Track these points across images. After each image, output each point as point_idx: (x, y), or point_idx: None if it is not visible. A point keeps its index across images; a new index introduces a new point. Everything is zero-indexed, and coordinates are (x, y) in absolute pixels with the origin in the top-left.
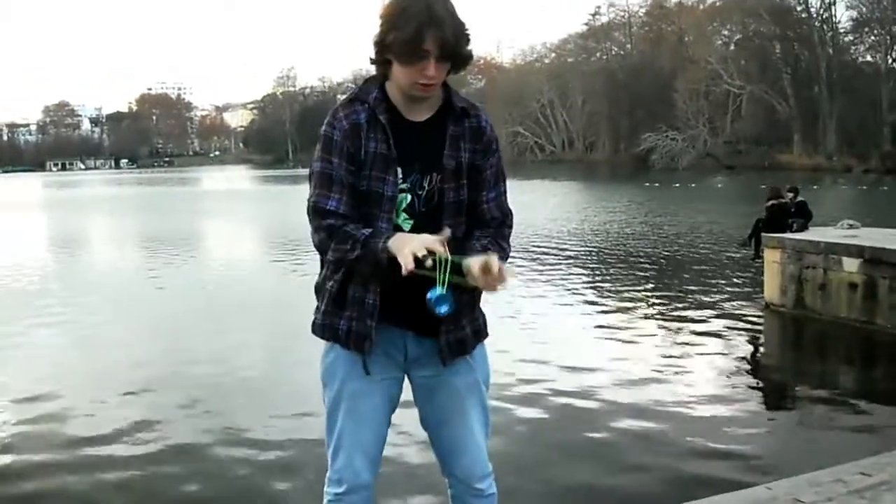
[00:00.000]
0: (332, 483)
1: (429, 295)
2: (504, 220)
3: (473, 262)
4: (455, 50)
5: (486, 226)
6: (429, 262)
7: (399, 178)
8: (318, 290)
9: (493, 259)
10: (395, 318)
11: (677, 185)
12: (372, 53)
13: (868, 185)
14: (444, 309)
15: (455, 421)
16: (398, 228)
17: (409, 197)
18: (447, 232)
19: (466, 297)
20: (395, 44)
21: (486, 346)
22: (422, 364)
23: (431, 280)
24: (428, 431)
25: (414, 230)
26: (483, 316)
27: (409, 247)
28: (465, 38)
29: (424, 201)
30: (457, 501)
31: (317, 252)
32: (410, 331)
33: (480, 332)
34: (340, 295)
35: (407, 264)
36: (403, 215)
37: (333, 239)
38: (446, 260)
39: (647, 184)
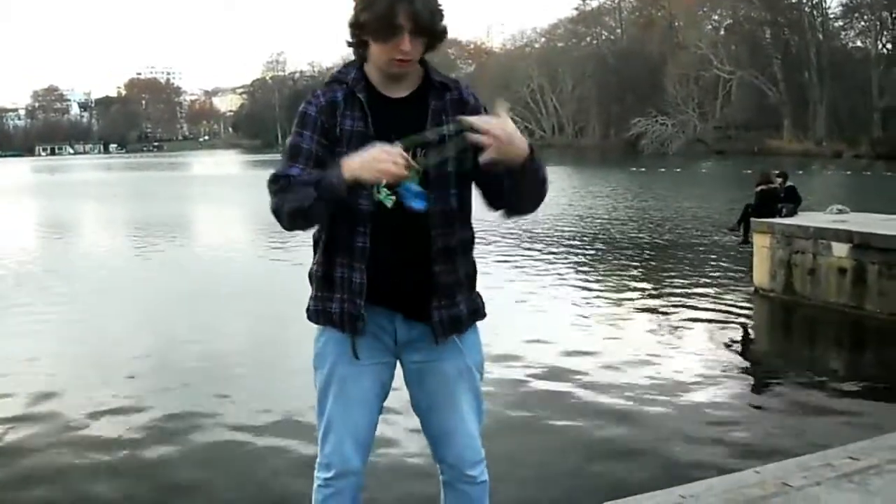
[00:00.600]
0: (321, 468)
1: (404, 187)
2: None
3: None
4: (429, 24)
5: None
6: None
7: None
8: (311, 276)
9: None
10: (383, 300)
11: (663, 169)
12: (348, 36)
13: (858, 170)
14: (419, 204)
15: (445, 407)
16: (380, 205)
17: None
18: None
19: (463, 273)
20: (368, 22)
21: (479, 332)
22: (412, 348)
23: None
24: (419, 416)
25: (397, 205)
26: (480, 296)
27: (376, 153)
28: (439, 14)
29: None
30: (448, 488)
31: (280, 223)
32: (399, 312)
33: (478, 312)
34: (328, 278)
35: (397, 172)
36: (385, 192)
37: (286, 192)
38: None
39: (634, 168)
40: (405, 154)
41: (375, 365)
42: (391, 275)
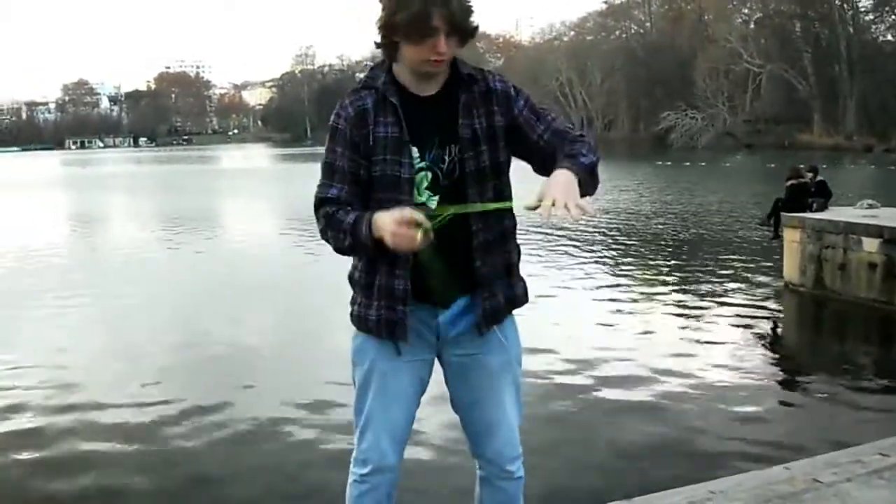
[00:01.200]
0: (357, 463)
1: (440, 319)
2: (570, 135)
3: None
4: (463, 24)
5: (560, 152)
6: (420, 235)
7: (416, 158)
8: (350, 280)
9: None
10: (427, 297)
11: (688, 163)
12: (377, 37)
13: (889, 164)
14: (459, 327)
15: (489, 401)
16: (423, 207)
17: (430, 174)
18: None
19: (501, 262)
20: (402, 24)
21: (517, 323)
22: (455, 342)
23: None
24: (459, 412)
25: (441, 204)
26: (522, 282)
27: (388, 227)
28: (470, 11)
29: (447, 175)
30: (485, 483)
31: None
32: (442, 308)
33: (516, 300)
34: (368, 285)
35: (409, 246)
36: (427, 193)
37: (329, 227)
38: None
39: (660, 162)
40: (418, 219)
41: (416, 362)
42: (435, 273)
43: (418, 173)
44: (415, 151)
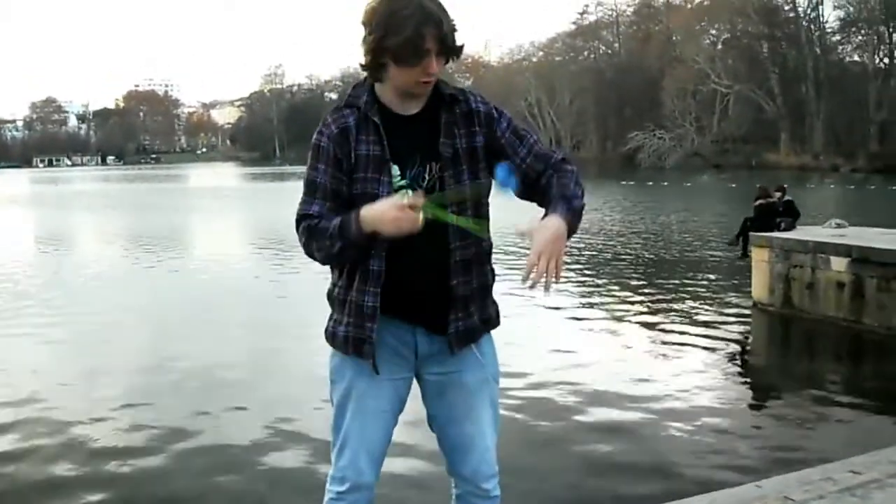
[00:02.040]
0: (334, 481)
1: (498, 174)
2: (553, 160)
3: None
4: (452, 44)
5: (542, 177)
6: (398, 181)
7: (396, 176)
8: (328, 297)
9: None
10: (404, 315)
11: (650, 183)
12: (364, 59)
13: (855, 184)
14: (513, 183)
15: (465, 419)
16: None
17: (410, 192)
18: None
19: (477, 283)
20: (394, 47)
21: (493, 342)
22: (433, 361)
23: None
24: (436, 430)
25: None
26: (494, 305)
27: (388, 213)
28: (456, 30)
29: (427, 192)
30: (461, 502)
31: (309, 258)
32: (420, 326)
33: (490, 321)
34: (343, 302)
35: (412, 226)
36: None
37: (313, 239)
38: (437, 200)
39: (624, 182)
40: (416, 202)
41: (395, 380)
42: (411, 290)
43: (398, 191)
44: (395, 169)
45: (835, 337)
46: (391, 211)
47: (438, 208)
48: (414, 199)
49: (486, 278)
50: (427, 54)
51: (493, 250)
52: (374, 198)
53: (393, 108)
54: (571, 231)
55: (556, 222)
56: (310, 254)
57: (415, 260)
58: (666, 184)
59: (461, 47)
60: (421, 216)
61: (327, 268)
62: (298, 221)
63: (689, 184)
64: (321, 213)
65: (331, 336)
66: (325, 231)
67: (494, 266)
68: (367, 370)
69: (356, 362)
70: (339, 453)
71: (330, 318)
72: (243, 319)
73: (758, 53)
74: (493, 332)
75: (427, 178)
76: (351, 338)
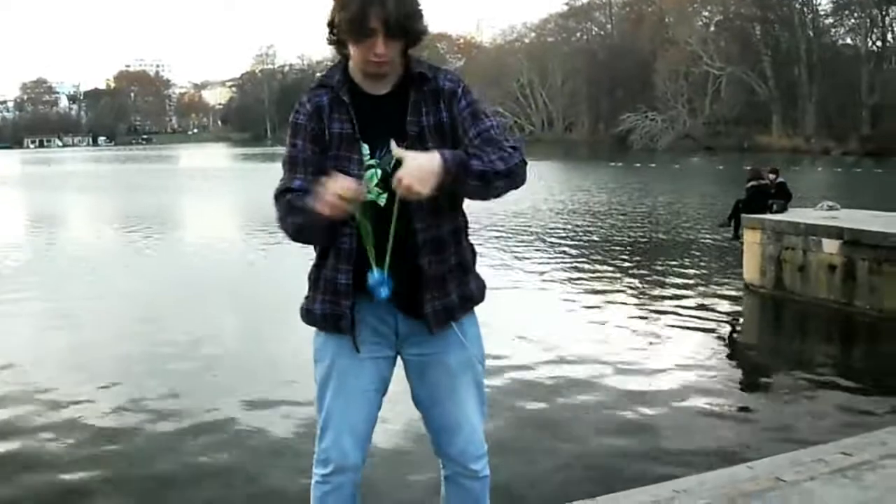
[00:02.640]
0: (318, 463)
1: (369, 282)
2: (501, 146)
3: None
4: (403, 26)
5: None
6: (367, 159)
7: (366, 155)
8: (308, 276)
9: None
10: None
11: (638, 164)
12: (327, 35)
13: (847, 167)
14: (383, 293)
15: (448, 400)
16: (373, 204)
17: (379, 171)
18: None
19: (455, 261)
20: (342, 23)
21: (478, 322)
22: (414, 341)
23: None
24: (421, 411)
25: (389, 202)
26: (477, 281)
27: (326, 195)
28: (416, 15)
29: (395, 172)
30: (450, 483)
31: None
32: (398, 308)
33: (472, 298)
34: (316, 279)
35: (323, 210)
36: (376, 190)
37: (289, 213)
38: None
39: (613, 164)
40: (352, 195)
41: (376, 359)
42: (367, 238)
43: (367, 170)
44: (365, 149)
45: (826, 319)
46: (327, 194)
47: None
48: (352, 191)
49: (464, 255)
50: (372, 33)
51: (476, 227)
52: (345, 175)
53: (364, 88)
54: (456, 180)
55: (431, 156)
56: (283, 227)
57: (384, 240)
58: (654, 165)
59: (421, 31)
60: (355, 209)
61: (313, 249)
62: (279, 195)
63: (677, 165)
64: (303, 187)
65: (306, 313)
66: (294, 207)
67: (477, 244)
68: (349, 349)
69: (338, 341)
70: (322, 434)
71: (305, 297)
72: (232, 299)
73: (750, 35)
74: (477, 310)
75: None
76: (328, 314)
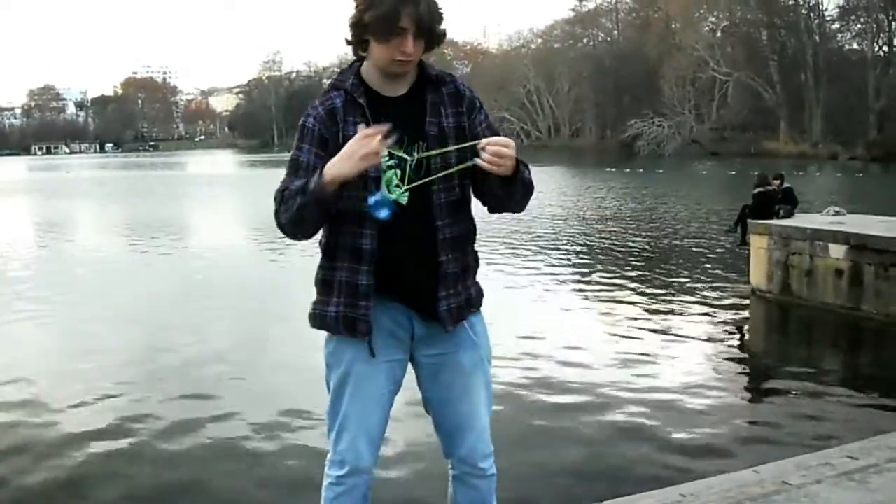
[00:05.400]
0: (333, 465)
1: (370, 199)
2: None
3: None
4: (430, 27)
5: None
6: (387, 160)
7: (385, 157)
8: (315, 282)
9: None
10: (397, 295)
11: (641, 170)
12: (348, 35)
13: (854, 172)
14: (383, 213)
15: (461, 400)
16: (396, 203)
17: (399, 172)
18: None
19: (466, 262)
20: (372, 22)
21: (484, 321)
22: (429, 342)
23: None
24: (431, 412)
25: (410, 201)
26: (478, 287)
27: (351, 147)
28: (440, 16)
29: (414, 171)
30: (458, 482)
31: (285, 236)
32: (413, 308)
33: (476, 303)
34: (329, 283)
35: (372, 156)
36: (397, 190)
37: (283, 204)
38: (404, 161)
39: (611, 169)
40: (383, 143)
41: (391, 362)
42: (403, 270)
43: (387, 171)
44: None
45: (833, 324)
46: (355, 143)
47: (400, 160)
48: (378, 141)
49: (469, 258)
50: (403, 32)
51: (485, 236)
52: (362, 177)
53: (379, 90)
54: (517, 174)
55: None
56: (279, 224)
57: (404, 240)
58: (661, 171)
59: (443, 34)
60: (384, 157)
61: (320, 252)
62: (276, 196)
63: (687, 172)
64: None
65: (316, 318)
66: (290, 192)
67: (483, 249)
68: (364, 353)
69: (354, 345)
70: (337, 437)
71: (314, 303)
72: (238, 306)
73: (757, 41)
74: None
75: (415, 157)
76: (342, 317)
